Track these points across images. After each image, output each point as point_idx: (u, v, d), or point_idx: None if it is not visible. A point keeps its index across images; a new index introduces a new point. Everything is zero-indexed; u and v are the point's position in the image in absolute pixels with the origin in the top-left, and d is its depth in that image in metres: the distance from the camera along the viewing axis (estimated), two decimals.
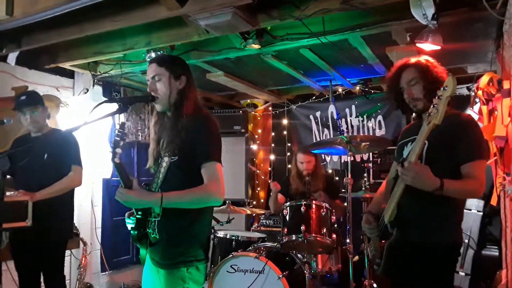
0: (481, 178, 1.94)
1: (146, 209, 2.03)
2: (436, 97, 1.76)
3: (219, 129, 2.07)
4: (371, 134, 5.22)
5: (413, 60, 2.16)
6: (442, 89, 1.75)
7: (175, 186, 1.97)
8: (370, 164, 4.90)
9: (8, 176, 3.13)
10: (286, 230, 3.47)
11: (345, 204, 3.58)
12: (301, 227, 3.31)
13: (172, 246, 1.99)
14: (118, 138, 1.87)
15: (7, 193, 2.82)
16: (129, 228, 2.08)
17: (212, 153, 1.98)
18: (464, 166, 1.96)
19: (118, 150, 1.86)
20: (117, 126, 1.90)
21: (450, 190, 1.87)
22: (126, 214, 2.13)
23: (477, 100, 3.22)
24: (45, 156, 2.95)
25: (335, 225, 3.58)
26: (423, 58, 2.15)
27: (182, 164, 2.00)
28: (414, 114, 2.25)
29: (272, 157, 6.10)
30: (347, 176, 3.55)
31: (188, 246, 1.99)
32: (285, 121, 5.96)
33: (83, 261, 3.80)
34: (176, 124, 2.01)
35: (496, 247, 3.97)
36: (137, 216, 2.03)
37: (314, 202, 3.50)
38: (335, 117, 5.39)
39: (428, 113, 1.80)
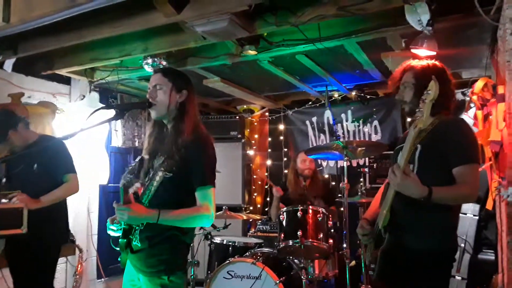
0: (472, 182, 1.90)
1: None
2: (421, 101, 1.77)
3: (214, 150, 2.10)
4: (367, 139, 5.24)
5: (416, 64, 2.16)
6: (425, 92, 1.76)
7: (164, 201, 1.99)
8: (367, 169, 4.91)
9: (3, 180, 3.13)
10: (283, 235, 3.47)
11: (342, 209, 3.58)
12: (298, 233, 3.31)
13: (155, 254, 2.00)
14: (126, 183, 1.88)
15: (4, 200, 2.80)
16: (111, 234, 2.09)
17: (209, 178, 2.02)
18: (455, 170, 1.93)
19: (137, 185, 1.95)
20: (127, 169, 1.93)
21: (438, 198, 1.85)
22: (109, 220, 2.11)
23: (472, 105, 3.26)
24: (35, 166, 2.91)
25: (332, 230, 3.58)
26: (415, 63, 2.16)
27: (175, 181, 2.01)
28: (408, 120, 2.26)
29: (268, 162, 6.10)
30: (344, 181, 3.56)
31: (170, 255, 2.01)
32: (281, 127, 5.98)
33: (79, 268, 3.77)
34: (176, 140, 2.02)
35: (492, 251, 3.98)
36: (124, 226, 2.03)
37: (310, 207, 3.50)
38: (331, 122, 5.40)
39: (415, 117, 1.81)
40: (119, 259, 2.13)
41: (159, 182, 2.03)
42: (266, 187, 6.04)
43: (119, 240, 2.04)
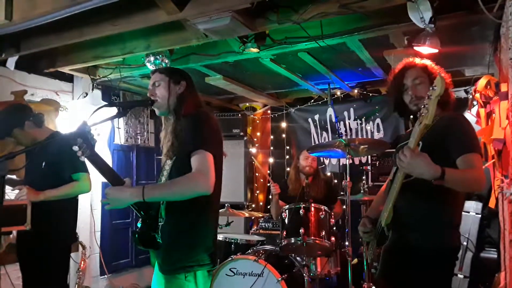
0: (479, 168, 1.88)
1: (152, 214, 2.01)
2: (427, 97, 1.76)
3: (212, 121, 2.03)
4: (369, 137, 5.23)
5: (418, 61, 2.17)
6: (431, 88, 1.74)
7: None
8: (369, 167, 4.92)
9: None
10: (285, 233, 3.47)
11: (344, 207, 3.58)
12: (300, 230, 3.31)
13: (172, 250, 1.98)
14: (75, 136, 1.83)
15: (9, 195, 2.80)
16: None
17: (200, 142, 1.91)
18: (459, 159, 1.91)
19: (75, 148, 1.83)
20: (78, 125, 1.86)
21: (451, 179, 1.79)
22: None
23: (475, 102, 3.24)
24: (43, 164, 2.86)
25: (334, 228, 3.58)
26: (427, 61, 2.17)
27: (180, 163, 2.00)
28: (411, 117, 2.23)
29: (271, 160, 6.11)
30: (346, 179, 3.55)
31: (188, 251, 1.96)
32: (283, 124, 5.98)
33: (82, 265, 3.79)
34: (175, 127, 2.04)
35: (495, 249, 3.98)
36: (144, 219, 2.01)
37: (312, 205, 3.51)
38: (333, 120, 5.39)
39: (420, 113, 1.80)
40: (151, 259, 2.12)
41: (169, 171, 2.06)
42: (268, 184, 6.05)
43: (132, 235, 2.03)
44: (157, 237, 1.99)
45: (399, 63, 2.25)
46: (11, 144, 3.02)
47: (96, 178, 4.50)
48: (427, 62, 2.16)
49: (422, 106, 1.77)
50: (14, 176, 3.14)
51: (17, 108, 3.00)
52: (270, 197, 4.34)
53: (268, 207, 5.77)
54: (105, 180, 1.97)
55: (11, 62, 3.70)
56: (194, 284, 1.95)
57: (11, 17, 2.86)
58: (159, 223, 2.00)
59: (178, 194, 1.88)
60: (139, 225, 2.05)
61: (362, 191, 4.07)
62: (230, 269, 3.43)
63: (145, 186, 1.84)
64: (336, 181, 5.31)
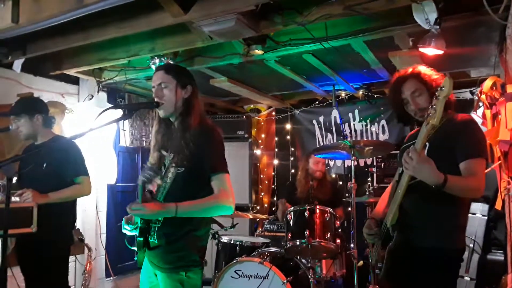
0: (480, 175, 1.90)
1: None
2: (434, 98, 1.76)
3: (223, 139, 2.12)
4: (374, 138, 5.22)
5: (410, 70, 2.15)
6: (439, 89, 1.74)
7: (180, 197, 1.99)
8: (374, 169, 4.89)
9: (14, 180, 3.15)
10: (290, 235, 3.47)
11: (349, 209, 3.57)
12: (305, 232, 3.31)
13: (173, 251, 2.03)
14: (145, 179, 2.00)
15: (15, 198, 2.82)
16: (127, 234, 2.15)
17: (220, 164, 2.04)
18: (462, 164, 1.92)
19: (149, 189, 2.02)
20: (147, 166, 2.06)
21: (451, 187, 1.82)
22: (124, 219, 2.14)
23: (480, 104, 3.23)
24: (44, 165, 2.88)
25: (339, 230, 3.57)
26: (419, 68, 2.15)
27: (188, 175, 2.03)
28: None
29: (275, 161, 6.10)
30: (351, 181, 3.55)
31: (187, 252, 2.03)
32: (288, 126, 5.97)
33: (87, 267, 3.80)
34: (184, 135, 2.04)
35: (501, 251, 3.95)
36: (140, 225, 2.06)
37: (318, 207, 3.50)
38: (338, 121, 5.39)
39: (427, 114, 1.80)
40: (135, 258, 2.16)
41: (172, 179, 2.06)
42: (273, 186, 6.05)
43: (136, 239, 2.07)
44: (150, 238, 2.06)
45: (393, 75, 2.24)
46: (19, 143, 3.05)
47: (101, 181, 4.56)
48: (420, 69, 2.14)
49: (430, 106, 1.77)
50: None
51: (37, 101, 3.16)
52: (275, 198, 4.32)
53: (273, 209, 5.77)
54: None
55: (18, 64, 3.73)
56: (193, 281, 2.02)
57: (17, 20, 2.88)
58: (155, 225, 2.05)
59: (207, 212, 2.05)
60: (127, 225, 2.13)
61: (367, 193, 4.06)
62: (235, 271, 3.43)
63: (178, 204, 1.94)
64: (341, 183, 5.29)
